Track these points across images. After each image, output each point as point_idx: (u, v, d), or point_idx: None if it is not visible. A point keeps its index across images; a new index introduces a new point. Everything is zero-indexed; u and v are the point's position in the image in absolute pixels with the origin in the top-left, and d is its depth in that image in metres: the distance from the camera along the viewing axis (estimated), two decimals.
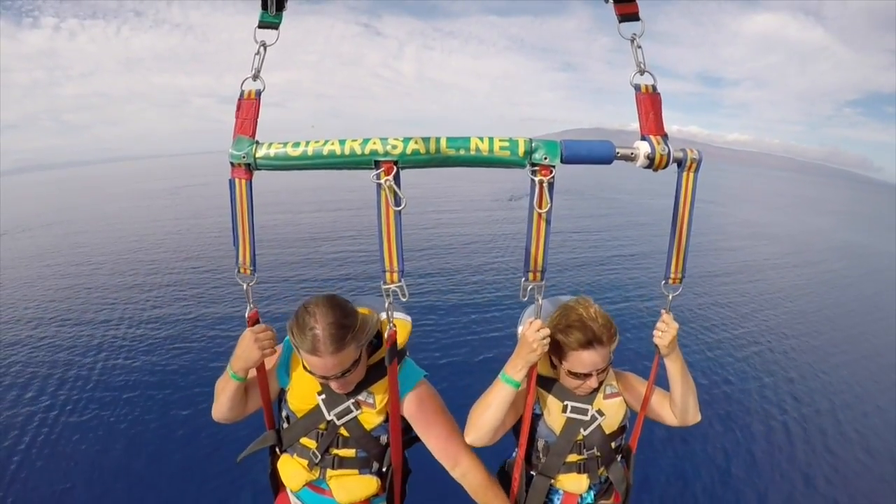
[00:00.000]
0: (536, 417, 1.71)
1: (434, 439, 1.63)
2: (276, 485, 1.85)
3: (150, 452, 4.70)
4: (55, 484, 4.30)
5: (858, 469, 4.96)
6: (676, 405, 1.63)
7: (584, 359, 1.56)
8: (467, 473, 1.62)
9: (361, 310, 1.54)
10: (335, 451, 1.64)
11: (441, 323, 7.71)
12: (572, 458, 1.71)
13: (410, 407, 1.61)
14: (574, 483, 1.73)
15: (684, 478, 4.61)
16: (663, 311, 1.53)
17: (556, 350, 1.62)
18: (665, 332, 1.50)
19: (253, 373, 1.59)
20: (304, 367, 1.52)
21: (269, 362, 1.66)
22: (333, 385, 1.51)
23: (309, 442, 1.65)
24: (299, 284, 9.46)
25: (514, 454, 1.79)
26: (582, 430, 1.69)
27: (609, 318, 1.59)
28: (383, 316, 1.53)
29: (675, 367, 1.58)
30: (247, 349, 1.50)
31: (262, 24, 1.33)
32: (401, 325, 1.53)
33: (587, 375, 1.59)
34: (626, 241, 14.73)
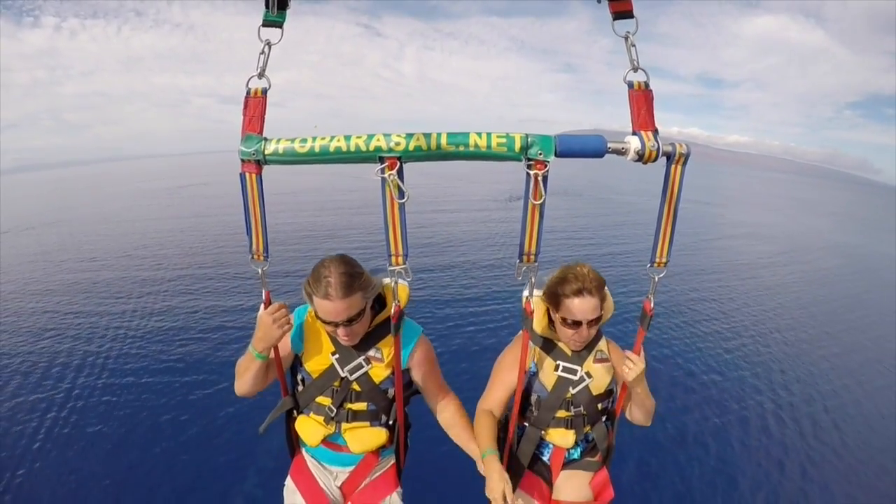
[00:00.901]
0: (533, 375, 1.93)
1: (430, 384, 1.90)
2: (293, 448, 2.04)
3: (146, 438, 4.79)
4: (72, 465, 4.45)
5: (830, 458, 5.10)
6: (633, 415, 1.95)
7: (575, 305, 1.75)
8: (449, 405, 1.92)
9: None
10: (349, 405, 1.83)
11: (438, 314, 7.87)
12: (561, 413, 1.91)
13: (413, 358, 1.84)
14: (562, 437, 1.93)
15: (659, 457, 4.74)
16: (627, 351, 1.78)
17: (553, 301, 1.82)
18: (631, 369, 1.74)
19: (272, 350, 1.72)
20: (316, 315, 1.67)
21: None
22: (340, 333, 1.66)
23: (324, 399, 1.83)
24: (305, 272, 9.45)
25: (508, 411, 1.98)
26: (571, 388, 1.90)
27: (599, 276, 1.79)
28: (385, 280, 1.78)
29: (637, 397, 1.85)
30: (268, 329, 1.62)
31: (266, 23, 1.38)
32: (401, 289, 1.70)
33: (578, 323, 1.78)
34: (622, 238, 14.94)
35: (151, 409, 5.21)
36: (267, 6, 1.37)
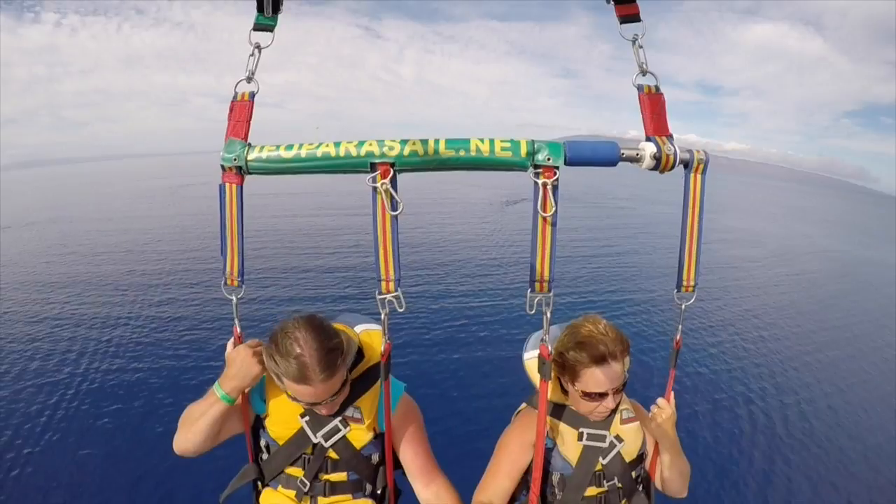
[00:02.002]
0: (548, 450, 1.59)
1: (413, 455, 1.59)
2: None
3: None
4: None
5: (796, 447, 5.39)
6: (665, 482, 1.63)
7: (598, 376, 1.47)
8: (440, 493, 1.57)
9: (338, 326, 1.49)
10: (325, 476, 1.55)
11: (432, 322, 7.87)
12: (591, 491, 1.58)
13: (395, 421, 1.55)
14: None
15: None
16: (660, 399, 1.53)
17: (567, 371, 1.53)
18: (660, 415, 1.50)
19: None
20: (287, 395, 1.43)
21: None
22: (321, 409, 1.44)
23: (295, 471, 1.55)
24: (287, 296, 9.50)
25: (523, 496, 1.64)
26: (601, 458, 1.58)
27: (620, 332, 1.51)
28: (357, 329, 1.57)
29: (667, 454, 1.56)
30: (245, 365, 1.41)
31: (258, 27, 1.30)
32: (377, 337, 1.52)
33: (603, 395, 1.50)
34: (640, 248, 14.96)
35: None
36: (259, 9, 1.29)
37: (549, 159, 1.21)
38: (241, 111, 1.32)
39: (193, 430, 1.45)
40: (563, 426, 1.59)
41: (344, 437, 1.52)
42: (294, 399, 1.41)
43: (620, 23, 1.28)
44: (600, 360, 1.45)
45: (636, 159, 1.25)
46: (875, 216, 51.50)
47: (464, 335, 7.54)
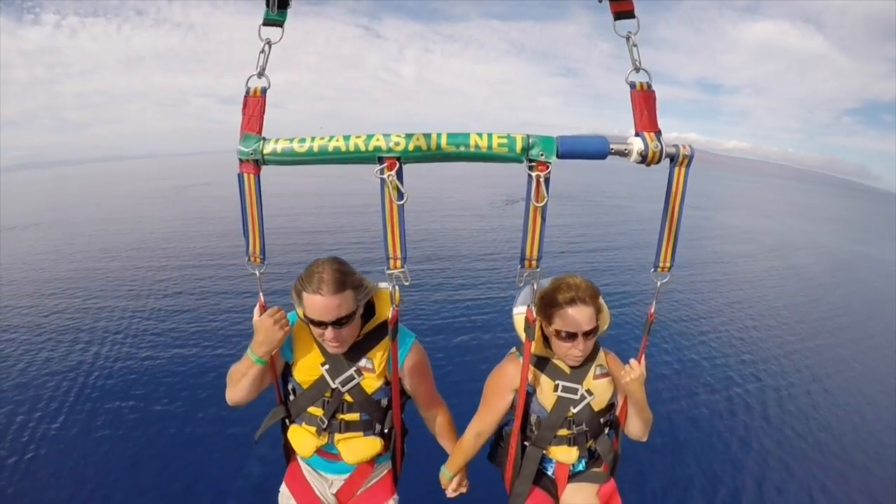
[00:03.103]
0: (530, 395, 1.85)
1: (420, 392, 1.88)
2: (288, 454, 1.99)
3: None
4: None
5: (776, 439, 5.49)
6: (629, 428, 1.90)
7: (569, 315, 1.69)
8: (439, 415, 1.95)
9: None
10: (341, 416, 1.79)
11: (434, 311, 8.03)
12: (563, 432, 1.86)
13: (407, 366, 1.78)
14: (565, 454, 1.88)
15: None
16: (632, 360, 1.74)
17: (546, 314, 1.75)
18: (630, 375, 1.71)
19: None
20: (304, 317, 1.63)
21: None
22: (328, 336, 1.62)
23: (316, 410, 1.79)
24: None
25: (511, 424, 1.93)
26: (572, 407, 1.83)
27: (593, 285, 1.75)
28: (381, 285, 1.75)
29: (634, 406, 1.81)
30: (269, 332, 1.60)
31: (267, 22, 1.37)
32: (388, 298, 1.66)
33: (573, 336, 1.71)
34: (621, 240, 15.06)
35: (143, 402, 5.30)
36: (268, 5, 1.36)
37: (542, 154, 1.31)
38: (255, 106, 1.39)
39: (239, 387, 1.71)
40: (542, 377, 1.84)
41: (358, 384, 1.75)
42: (308, 320, 1.61)
43: (615, 19, 1.35)
44: (571, 301, 1.69)
45: (624, 154, 1.34)
46: (874, 213, 51.49)
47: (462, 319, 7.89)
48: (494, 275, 10.34)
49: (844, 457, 5.14)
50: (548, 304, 1.73)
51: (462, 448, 1.92)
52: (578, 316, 1.69)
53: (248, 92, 1.38)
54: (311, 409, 1.79)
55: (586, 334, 1.71)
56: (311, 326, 1.65)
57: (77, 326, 7.33)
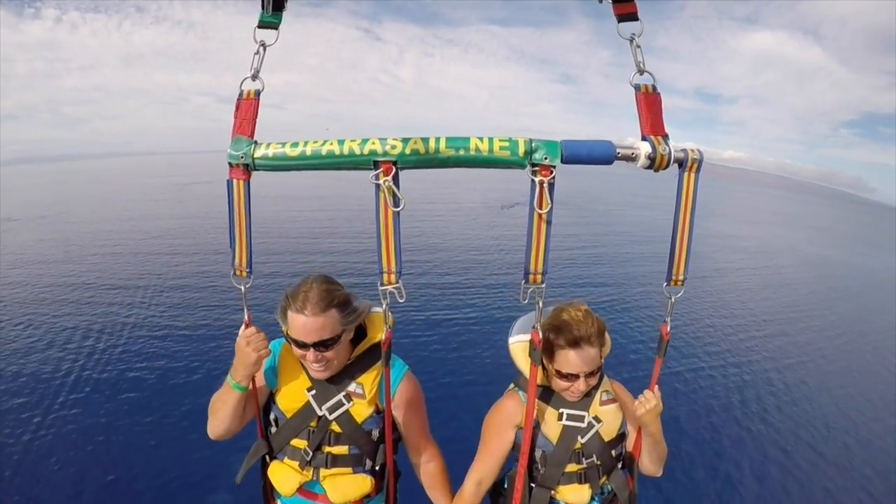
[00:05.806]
0: (533, 429, 1.67)
1: (411, 430, 1.73)
2: (267, 497, 1.83)
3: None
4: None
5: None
6: (642, 463, 1.75)
7: (570, 358, 1.57)
8: (431, 461, 1.79)
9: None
10: (327, 448, 1.64)
11: (429, 322, 8.07)
12: (572, 467, 1.69)
13: (399, 395, 1.68)
14: (575, 494, 1.69)
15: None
16: (647, 390, 1.59)
17: (546, 351, 1.61)
18: (645, 405, 1.57)
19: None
20: (288, 338, 1.55)
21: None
22: (310, 358, 1.52)
23: (299, 442, 1.65)
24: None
25: (514, 466, 1.75)
26: (580, 437, 1.68)
27: (599, 321, 1.60)
28: (375, 310, 1.65)
29: (649, 439, 1.66)
30: (243, 355, 1.48)
31: (262, 24, 1.33)
32: (381, 320, 1.52)
33: (574, 376, 1.60)
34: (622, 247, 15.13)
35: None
36: (263, 6, 1.32)
37: (546, 158, 1.24)
38: (247, 109, 1.34)
39: (219, 417, 1.59)
40: (545, 406, 1.69)
41: (347, 411, 1.62)
42: (292, 341, 1.53)
43: (618, 21, 1.31)
44: (574, 343, 1.56)
45: (631, 158, 1.28)
46: (867, 224, 51.91)
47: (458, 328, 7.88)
48: (493, 297, 10.32)
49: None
50: (548, 341, 1.59)
51: (462, 501, 1.74)
52: (582, 359, 1.57)
53: (241, 94, 1.34)
54: (295, 442, 1.65)
55: (588, 375, 1.60)
56: (294, 347, 1.55)
57: (74, 324, 7.48)
